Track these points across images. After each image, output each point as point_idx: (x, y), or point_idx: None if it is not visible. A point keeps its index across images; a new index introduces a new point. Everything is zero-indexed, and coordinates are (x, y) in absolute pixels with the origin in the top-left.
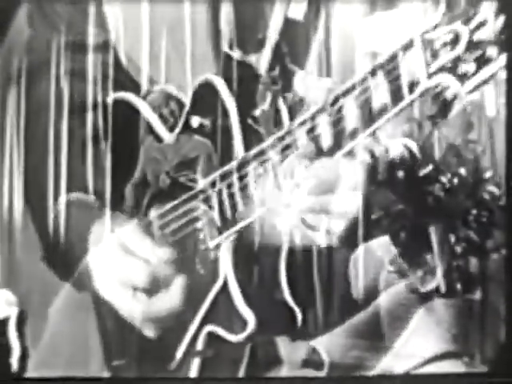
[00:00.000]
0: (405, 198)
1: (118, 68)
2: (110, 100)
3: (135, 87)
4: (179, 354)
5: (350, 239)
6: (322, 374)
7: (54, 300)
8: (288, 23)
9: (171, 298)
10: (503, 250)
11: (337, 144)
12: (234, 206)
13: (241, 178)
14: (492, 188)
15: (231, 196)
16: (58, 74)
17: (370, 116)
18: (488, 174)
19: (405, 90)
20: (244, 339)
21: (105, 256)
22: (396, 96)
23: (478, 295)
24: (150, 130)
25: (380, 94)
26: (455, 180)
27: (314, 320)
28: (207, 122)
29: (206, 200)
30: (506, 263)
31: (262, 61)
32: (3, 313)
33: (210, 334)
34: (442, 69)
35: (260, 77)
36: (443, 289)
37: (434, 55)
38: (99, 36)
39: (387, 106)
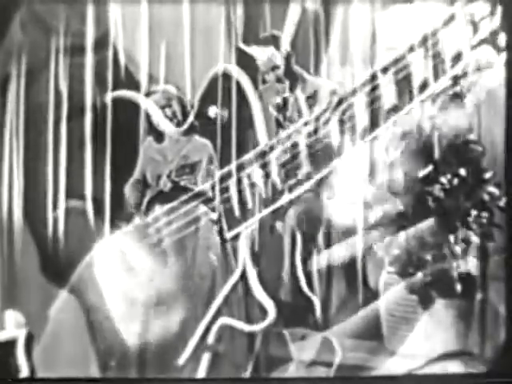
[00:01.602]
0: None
1: (118, 68)
2: (108, 100)
3: (136, 87)
4: (189, 348)
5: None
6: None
7: (52, 306)
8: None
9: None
10: (503, 250)
11: (373, 123)
12: (254, 196)
13: (262, 167)
14: (492, 188)
15: (251, 185)
16: (57, 76)
17: (410, 93)
18: (488, 175)
19: (448, 64)
20: (263, 329)
21: (102, 263)
22: (438, 71)
23: (478, 296)
24: (153, 128)
25: (420, 70)
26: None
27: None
28: (225, 112)
29: (210, 200)
30: (506, 263)
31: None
32: (11, 333)
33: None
34: (482, 41)
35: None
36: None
37: (475, 28)
38: (98, 35)
39: (428, 82)
